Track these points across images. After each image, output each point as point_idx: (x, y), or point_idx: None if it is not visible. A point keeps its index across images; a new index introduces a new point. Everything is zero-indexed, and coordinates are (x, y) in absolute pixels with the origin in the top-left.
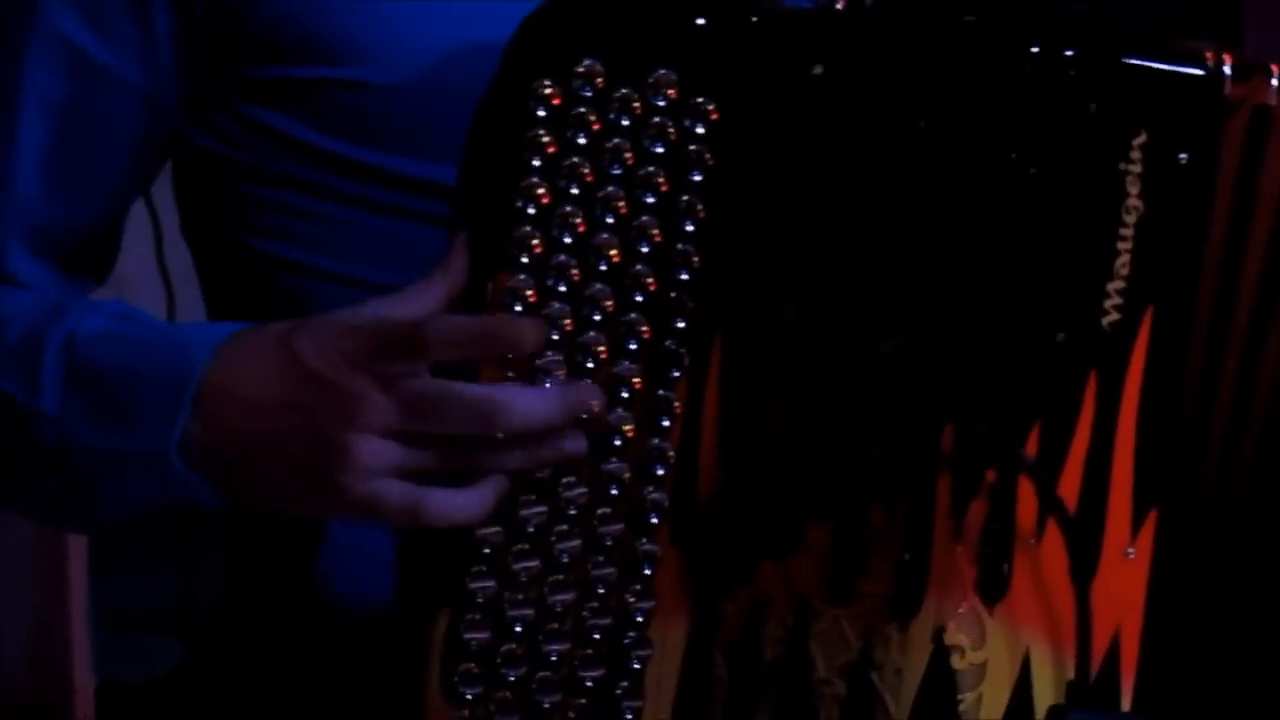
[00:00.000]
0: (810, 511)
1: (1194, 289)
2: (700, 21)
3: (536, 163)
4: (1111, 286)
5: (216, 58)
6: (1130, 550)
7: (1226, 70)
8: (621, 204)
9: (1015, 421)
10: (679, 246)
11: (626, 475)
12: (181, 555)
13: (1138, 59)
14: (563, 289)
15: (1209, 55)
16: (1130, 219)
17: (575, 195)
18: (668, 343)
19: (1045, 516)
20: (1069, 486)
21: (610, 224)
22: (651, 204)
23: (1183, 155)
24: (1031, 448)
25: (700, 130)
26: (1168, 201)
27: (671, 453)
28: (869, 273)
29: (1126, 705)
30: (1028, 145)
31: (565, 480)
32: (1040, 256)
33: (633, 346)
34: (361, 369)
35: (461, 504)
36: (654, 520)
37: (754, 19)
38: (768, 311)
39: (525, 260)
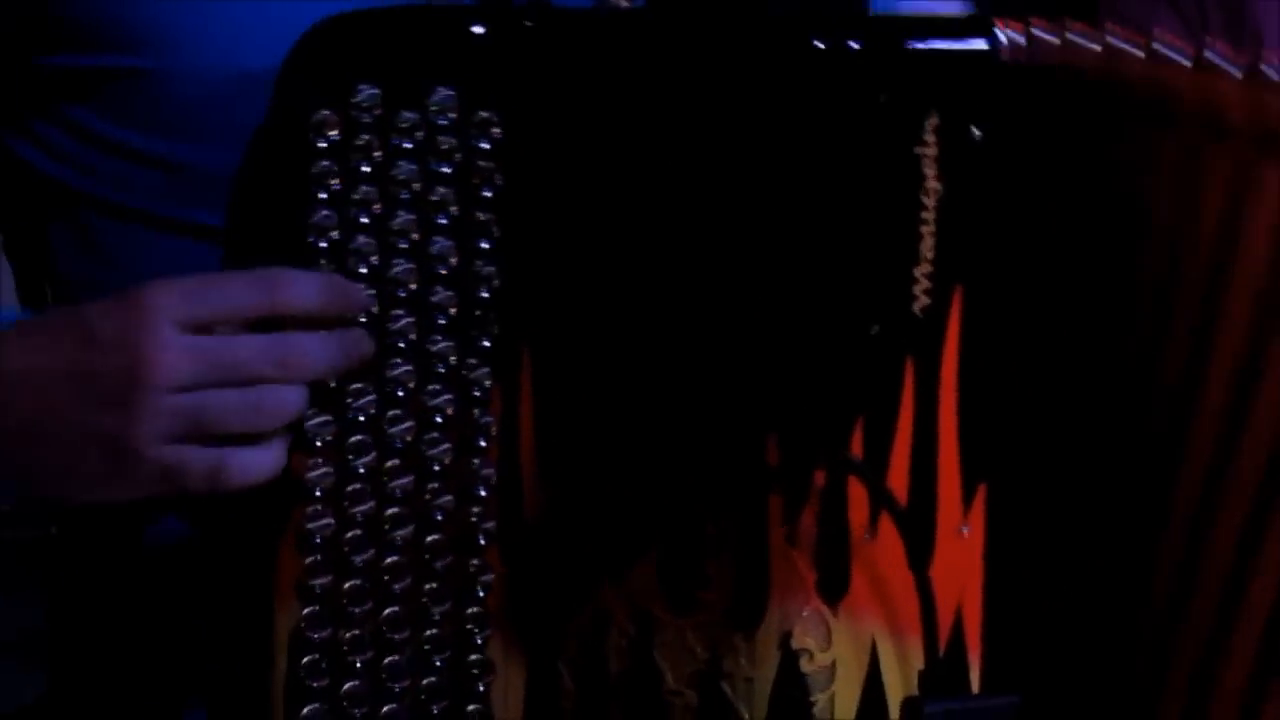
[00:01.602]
0: (639, 526)
1: (1003, 264)
2: (476, 31)
3: (324, 196)
4: (919, 271)
5: (9, 50)
6: (964, 528)
7: (1004, 39)
8: (415, 232)
9: (838, 420)
10: (478, 267)
11: (449, 500)
12: (45, 579)
13: (920, 42)
14: (363, 320)
15: (1000, 24)
16: (930, 201)
17: (367, 226)
18: (475, 365)
19: (877, 511)
20: (897, 474)
21: (405, 252)
22: (445, 227)
23: (976, 131)
24: (857, 443)
25: (486, 146)
26: (965, 179)
27: (492, 475)
28: (669, 278)
29: (976, 682)
30: (820, 139)
31: (390, 512)
32: (844, 251)
33: (441, 371)
34: (147, 328)
35: (261, 461)
36: (482, 543)
37: (528, 24)
38: (573, 325)
39: None
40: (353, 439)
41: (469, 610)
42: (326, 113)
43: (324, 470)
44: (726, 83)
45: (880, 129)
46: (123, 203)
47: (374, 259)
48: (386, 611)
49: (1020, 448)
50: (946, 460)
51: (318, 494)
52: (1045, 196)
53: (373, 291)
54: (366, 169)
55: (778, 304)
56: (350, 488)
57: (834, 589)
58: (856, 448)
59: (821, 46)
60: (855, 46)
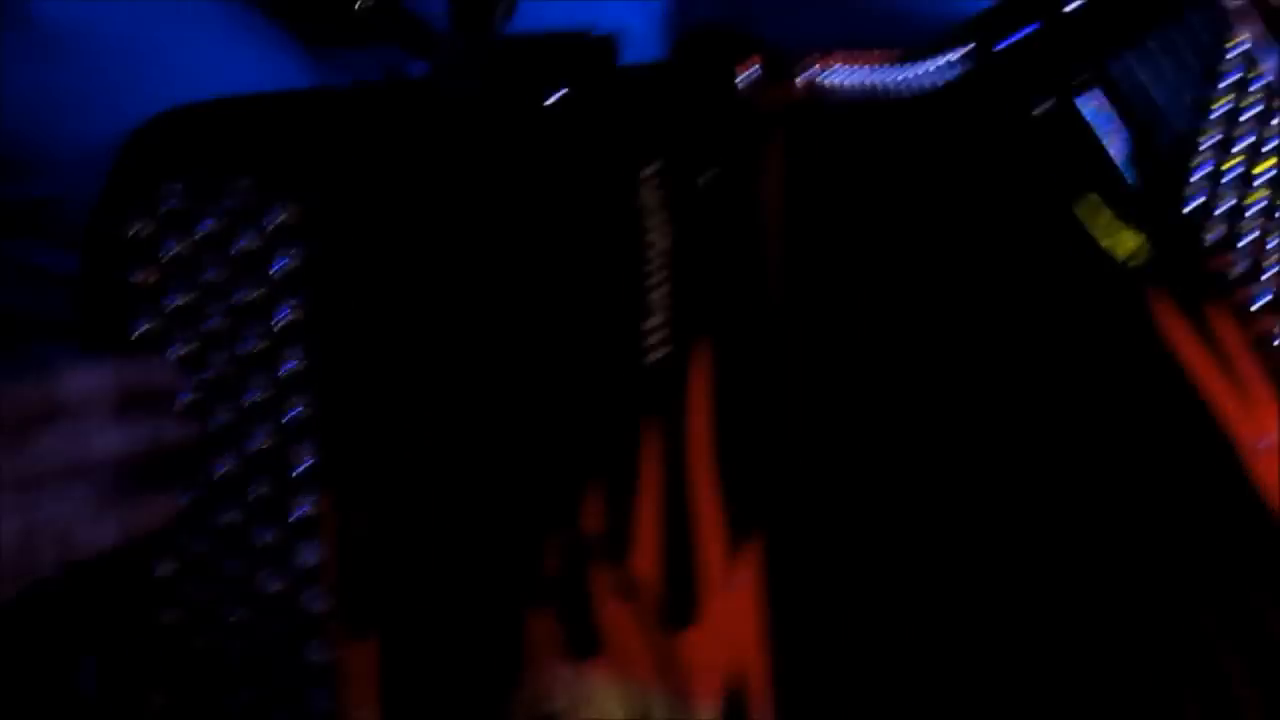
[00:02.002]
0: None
1: (751, 309)
2: (271, 118)
3: (140, 296)
4: (651, 324)
5: None
6: (733, 583)
7: (740, 79)
8: (228, 326)
9: (570, 487)
10: (285, 356)
11: (279, 587)
12: None
13: (635, 91)
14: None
15: (740, 68)
16: (657, 251)
17: (181, 323)
18: (298, 458)
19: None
20: (647, 533)
21: (220, 347)
22: (253, 317)
23: (701, 176)
24: (595, 508)
25: (284, 232)
26: (697, 226)
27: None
28: (449, 344)
29: None
30: (546, 198)
31: (233, 619)
32: (574, 311)
33: (261, 466)
34: None
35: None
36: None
37: (315, 107)
38: (375, 410)
39: None
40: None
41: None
42: (136, 215)
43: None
44: (475, 150)
45: (596, 182)
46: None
47: (191, 355)
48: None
49: (792, 495)
50: (706, 515)
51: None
52: (786, 235)
53: (192, 383)
54: (178, 267)
55: (519, 369)
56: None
57: (585, 649)
58: (595, 513)
59: (551, 103)
60: (558, 100)
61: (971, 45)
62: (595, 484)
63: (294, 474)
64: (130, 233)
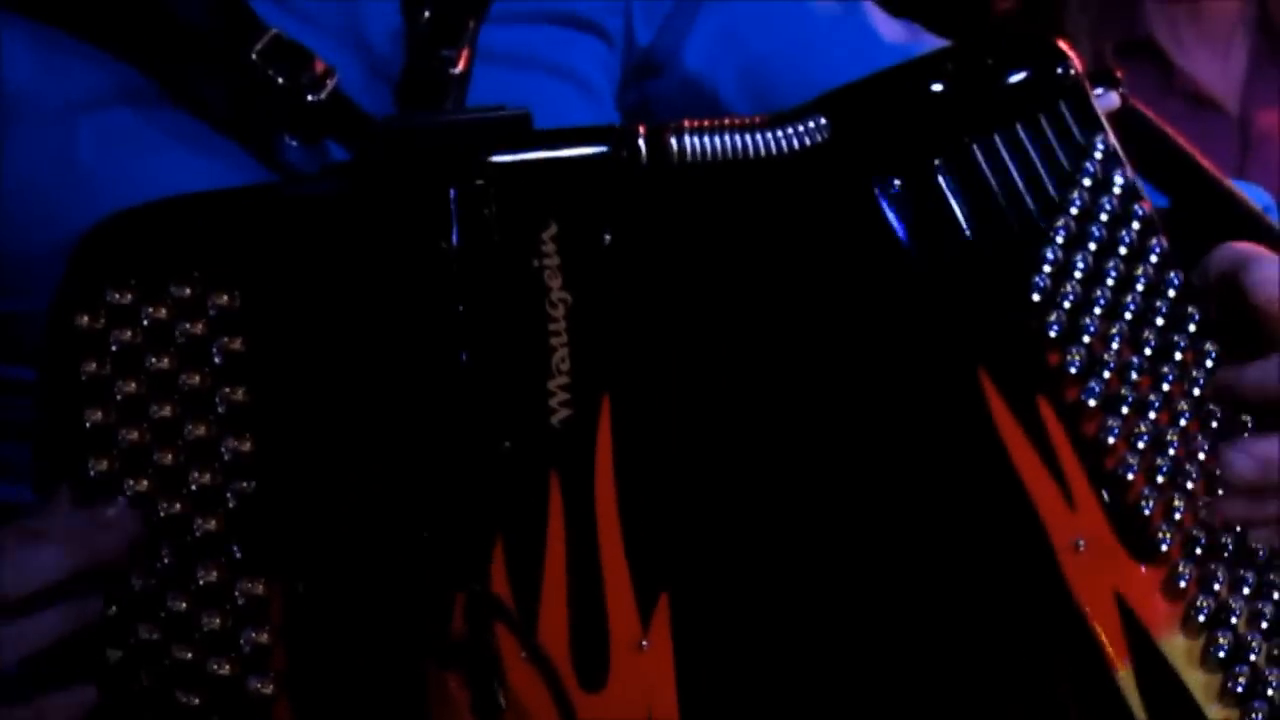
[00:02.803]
0: None
1: (650, 367)
2: (213, 217)
3: (92, 389)
4: (555, 384)
5: None
6: (644, 642)
7: (640, 144)
8: (170, 413)
9: (474, 543)
10: (230, 445)
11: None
12: None
13: (528, 153)
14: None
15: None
16: (559, 312)
17: (133, 414)
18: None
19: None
20: (554, 593)
21: (168, 436)
22: (198, 405)
23: (604, 235)
24: (499, 567)
25: (226, 327)
26: (595, 286)
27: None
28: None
29: None
30: (447, 264)
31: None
32: (477, 372)
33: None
34: None
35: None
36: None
37: (260, 205)
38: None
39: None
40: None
41: None
42: (82, 313)
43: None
44: (395, 230)
45: (495, 244)
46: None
47: (141, 444)
48: None
49: (700, 551)
50: (614, 573)
51: None
52: (684, 296)
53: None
54: (126, 361)
55: (430, 430)
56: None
57: (490, 713)
58: (498, 572)
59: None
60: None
61: (826, 115)
62: (502, 543)
63: (239, 556)
64: (79, 328)
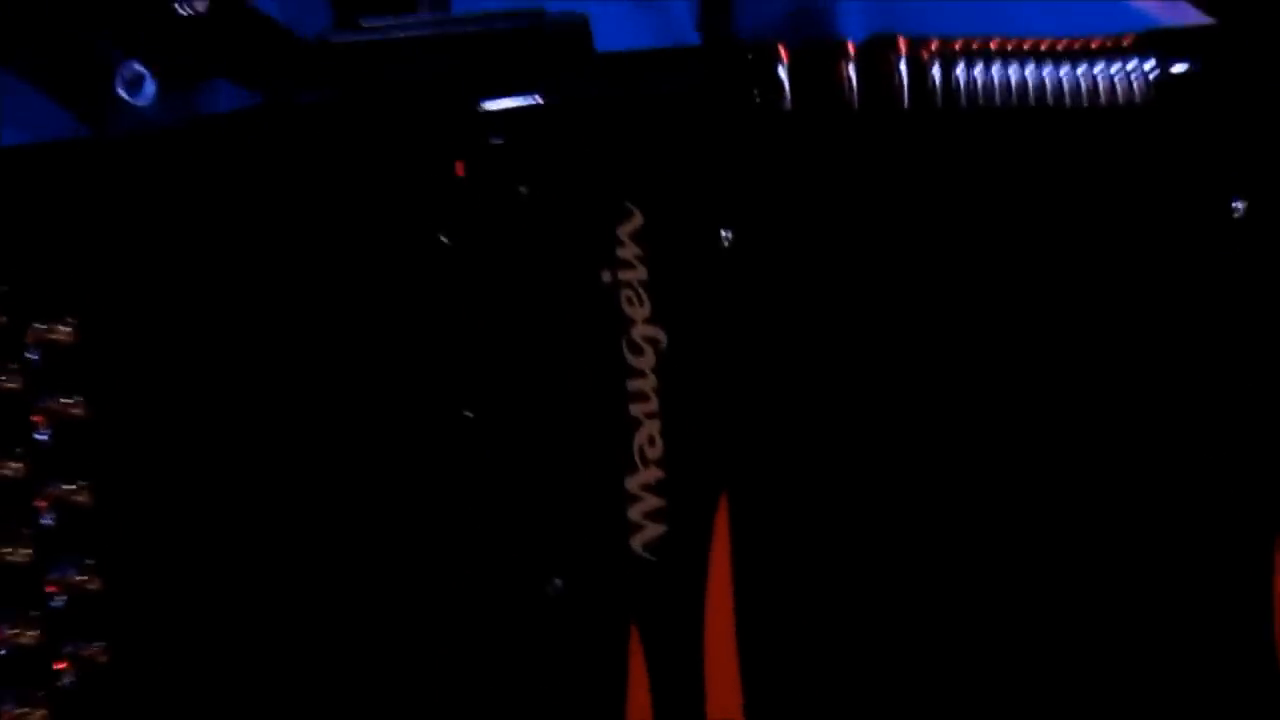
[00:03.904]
0: None
1: (812, 449)
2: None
3: None
4: (637, 482)
5: None
6: None
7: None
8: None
9: None
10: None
11: None
12: None
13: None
14: None
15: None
16: (644, 358)
17: None
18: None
19: None
20: None
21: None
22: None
23: (723, 232)
24: None
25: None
26: (709, 318)
27: None
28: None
29: None
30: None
31: None
32: (492, 464)
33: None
34: None
35: None
36: None
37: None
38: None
39: None
40: None
41: None
42: None
43: None
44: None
45: (528, 250)
46: None
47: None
48: None
49: None
50: None
51: None
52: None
53: None
54: None
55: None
56: None
57: None
58: None
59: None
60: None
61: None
62: None
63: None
64: None
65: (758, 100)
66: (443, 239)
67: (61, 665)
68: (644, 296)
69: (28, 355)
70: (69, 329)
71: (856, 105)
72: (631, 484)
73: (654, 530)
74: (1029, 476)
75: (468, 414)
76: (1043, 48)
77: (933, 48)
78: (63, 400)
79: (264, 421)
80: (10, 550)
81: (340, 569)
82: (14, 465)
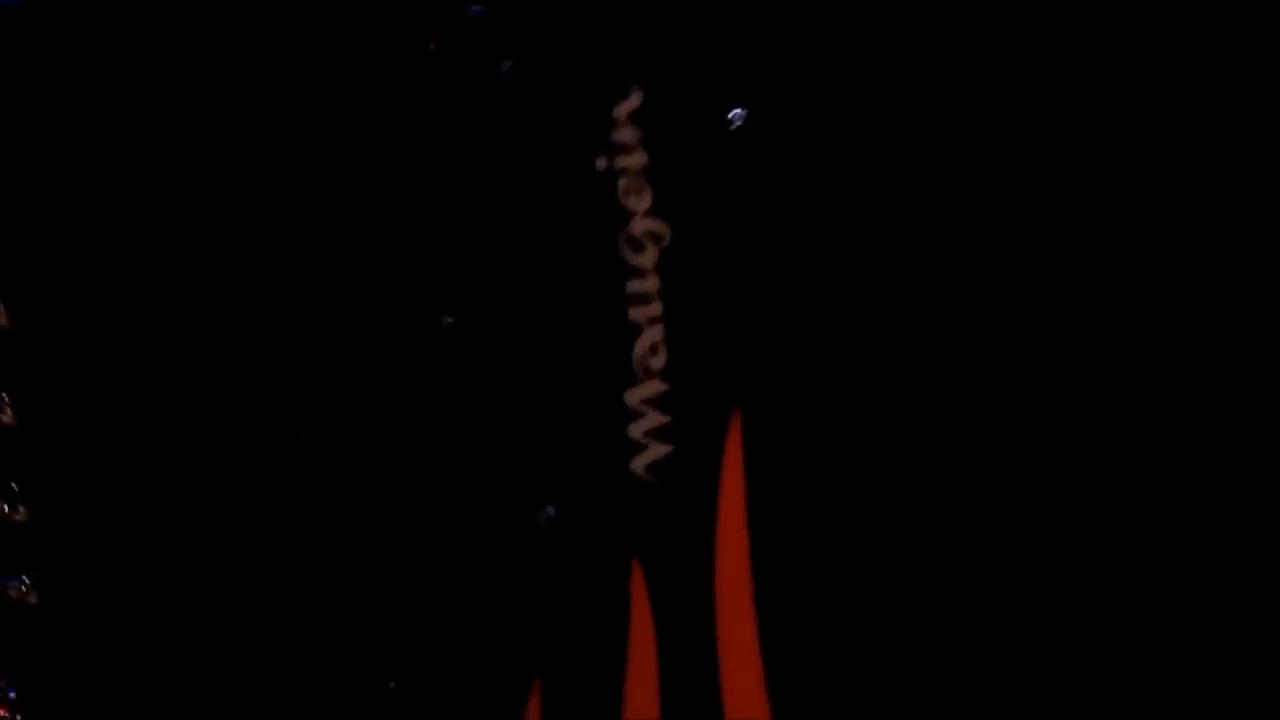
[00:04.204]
0: None
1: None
2: None
3: None
4: (638, 395)
5: None
6: None
7: None
8: None
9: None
10: None
11: None
12: None
13: None
14: None
15: None
16: (645, 255)
17: None
18: None
19: None
20: None
21: None
22: None
23: (734, 109)
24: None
25: None
26: (712, 206)
27: None
28: None
29: None
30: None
31: None
32: (476, 374)
33: None
34: None
35: None
36: None
37: None
38: None
39: None
40: None
41: None
42: None
43: None
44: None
45: (514, 129)
46: None
47: None
48: None
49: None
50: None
51: None
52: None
53: None
54: None
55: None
56: None
57: None
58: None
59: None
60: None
61: None
62: (540, 695)
63: None
64: None
65: None
66: (417, 124)
67: None
68: (644, 186)
69: None
70: None
71: None
72: (632, 398)
73: (658, 450)
74: (1060, 389)
75: (447, 319)
76: None
77: None
78: None
79: (229, 320)
80: None
81: (313, 501)
82: None
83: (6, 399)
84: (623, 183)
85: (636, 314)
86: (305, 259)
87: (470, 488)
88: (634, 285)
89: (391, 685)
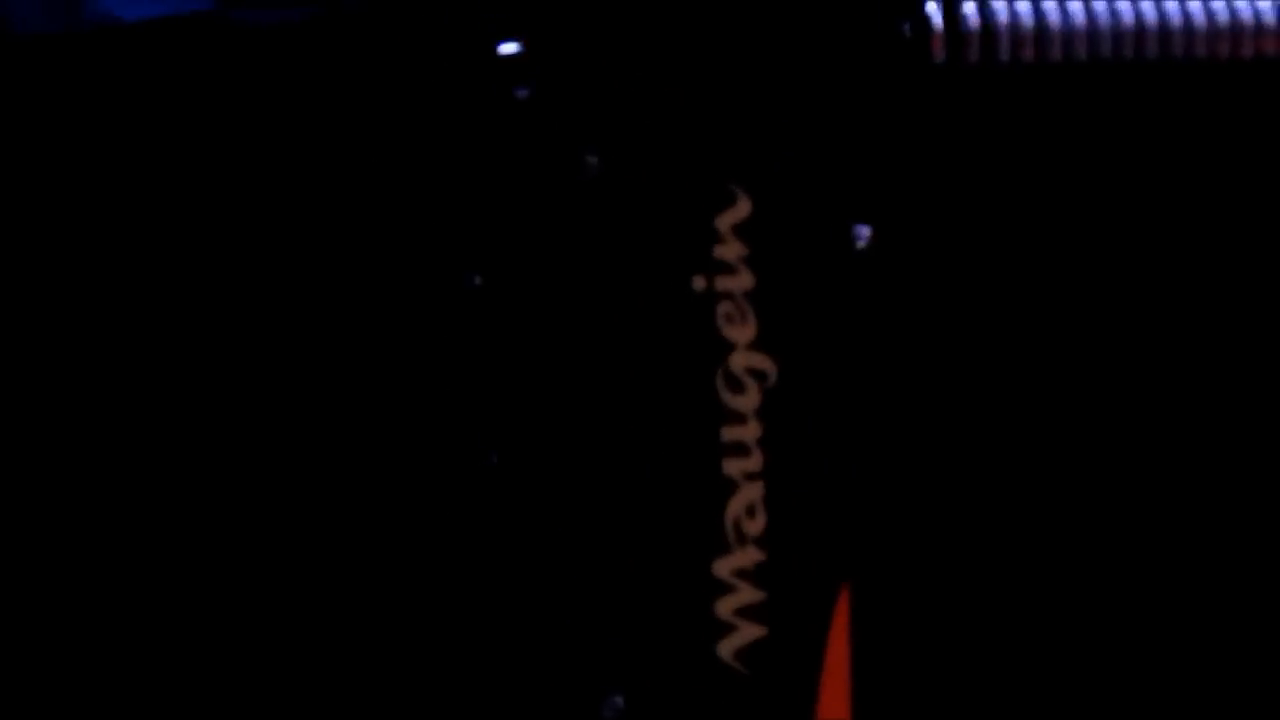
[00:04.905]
0: None
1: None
2: None
3: None
4: (727, 566)
5: None
6: None
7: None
8: None
9: None
10: None
11: None
12: None
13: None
14: None
15: None
16: (746, 397)
17: None
18: None
19: None
20: None
21: None
22: None
23: (860, 230)
24: None
25: None
26: (828, 342)
27: None
28: None
29: None
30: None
31: None
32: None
33: None
34: None
35: None
36: None
37: None
38: None
39: None
40: None
41: None
42: None
43: None
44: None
45: (598, 235)
46: None
47: None
48: None
49: None
50: None
51: None
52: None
53: None
54: None
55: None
56: None
57: None
58: None
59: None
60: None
61: None
62: None
63: None
64: None
65: (908, 36)
66: (482, 237)
67: None
68: (748, 313)
69: None
70: None
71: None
72: (722, 569)
73: (750, 633)
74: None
75: (493, 458)
76: None
77: None
78: None
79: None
80: None
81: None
82: None
83: None
84: (723, 308)
85: (731, 467)
86: (367, 393)
87: (527, 670)
88: (730, 432)
89: None
